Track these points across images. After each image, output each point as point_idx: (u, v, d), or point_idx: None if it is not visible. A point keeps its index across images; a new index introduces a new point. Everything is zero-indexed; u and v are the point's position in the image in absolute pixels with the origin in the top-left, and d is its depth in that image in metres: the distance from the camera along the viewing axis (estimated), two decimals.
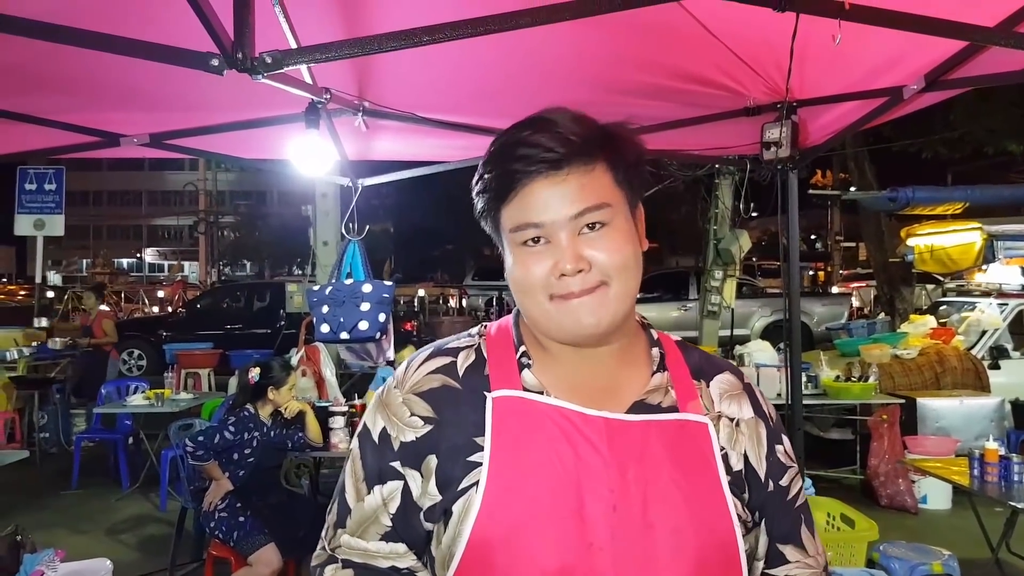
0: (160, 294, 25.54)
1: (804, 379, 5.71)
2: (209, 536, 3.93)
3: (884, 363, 6.54)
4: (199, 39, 1.59)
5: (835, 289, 21.61)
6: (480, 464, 0.90)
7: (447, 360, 0.98)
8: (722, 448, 0.96)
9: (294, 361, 5.61)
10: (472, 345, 1.00)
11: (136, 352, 12.99)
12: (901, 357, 6.71)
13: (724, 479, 0.94)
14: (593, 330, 0.91)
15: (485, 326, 1.05)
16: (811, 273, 29.99)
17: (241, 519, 3.79)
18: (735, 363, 4.19)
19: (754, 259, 22.75)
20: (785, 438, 1.04)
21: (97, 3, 1.82)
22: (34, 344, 8.68)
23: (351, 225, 3.42)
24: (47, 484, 6.43)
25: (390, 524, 0.95)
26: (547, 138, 0.90)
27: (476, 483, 0.89)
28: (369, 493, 0.96)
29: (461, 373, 0.96)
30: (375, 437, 0.97)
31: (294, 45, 1.89)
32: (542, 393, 0.94)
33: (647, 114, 3.17)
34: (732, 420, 0.99)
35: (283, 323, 11.45)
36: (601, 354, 0.96)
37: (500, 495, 0.88)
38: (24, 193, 9.52)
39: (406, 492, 0.94)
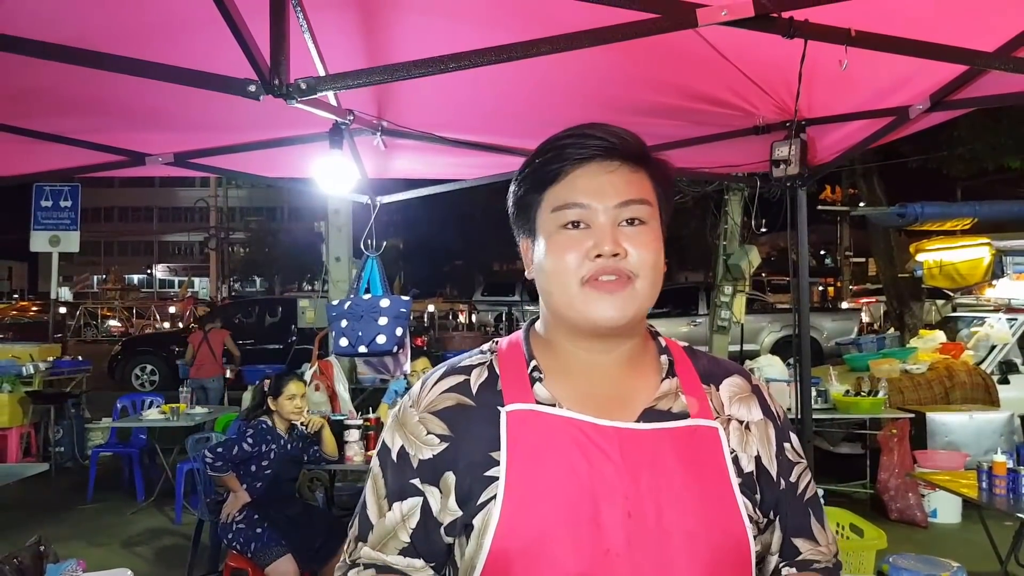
0: (171, 310, 25.73)
1: (814, 393, 5.74)
2: (226, 547, 3.98)
3: (894, 378, 6.56)
4: (233, 65, 1.67)
5: (845, 304, 21.58)
6: (497, 479, 0.93)
7: (460, 379, 1.02)
8: (732, 451, 0.99)
9: (307, 376, 5.68)
10: (484, 362, 1.04)
11: (149, 367, 13.09)
12: (911, 372, 6.73)
13: (735, 482, 0.97)
14: (615, 323, 0.96)
15: (496, 342, 1.09)
16: (821, 289, 29.93)
17: (259, 530, 3.84)
18: None
19: (763, 275, 22.75)
20: (792, 435, 1.08)
21: (135, 31, 1.91)
22: (49, 359, 8.77)
23: (369, 241, 3.50)
24: (63, 498, 6.49)
25: (408, 540, 0.99)
26: (602, 132, 0.99)
27: (494, 497, 0.92)
28: (390, 510, 1.00)
29: (474, 391, 1.00)
30: (394, 455, 1.01)
31: (322, 71, 1.97)
32: (555, 406, 0.97)
33: (660, 132, 3.24)
34: (742, 423, 1.03)
35: (295, 338, 11.52)
36: (611, 361, 1.01)
37: (518, 507, 0.91)
38: (40, 210, 9.64)
39: (425, 508, 0.98)
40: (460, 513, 0.95)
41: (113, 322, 25.17)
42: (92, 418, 7.91)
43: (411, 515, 0.99)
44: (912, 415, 5.96)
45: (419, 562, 0.99)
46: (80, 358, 9.39)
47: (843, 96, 2.88)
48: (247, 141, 3.21)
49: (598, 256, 0.95)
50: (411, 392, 1.06)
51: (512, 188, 1.05)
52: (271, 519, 3.90)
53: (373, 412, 4.96)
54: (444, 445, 0.97)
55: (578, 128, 1.00)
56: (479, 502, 0.93)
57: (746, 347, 11.74)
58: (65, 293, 31.51)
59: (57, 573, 3.24)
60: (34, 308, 24.02)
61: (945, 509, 5.61)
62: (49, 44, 1.66)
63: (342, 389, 5.85)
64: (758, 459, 1.02)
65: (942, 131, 10.70)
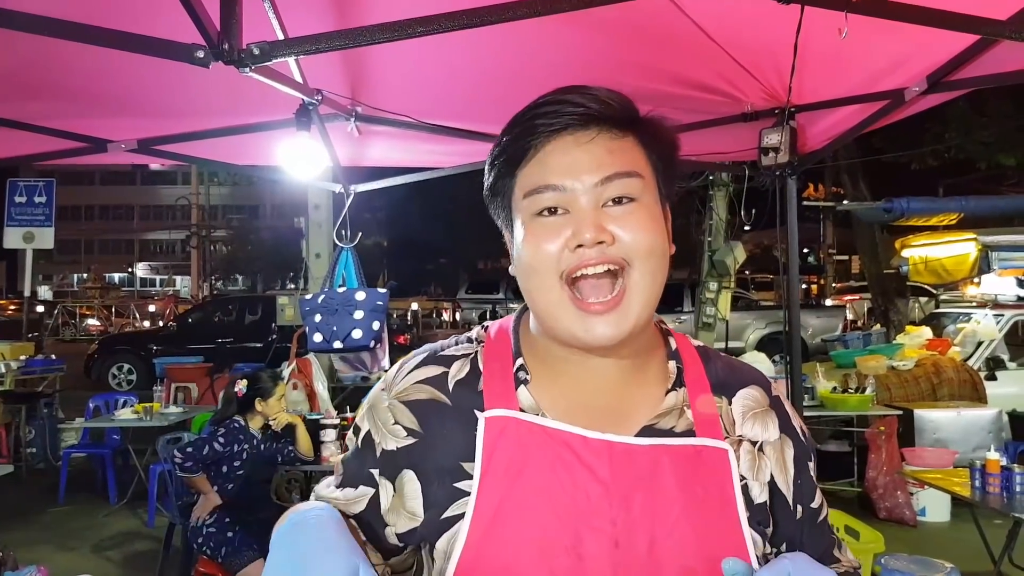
0: (151, 308, 25.40)
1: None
2: (197, 552, 3.84)
3: (880, 375, 6.52)
4: (184, 32, 1.53)
5: (829, 302, 21.65)
6: (468, 493, 0.81)
7: (439, 371, 0.89)
8: (743, 478, 0.85)
9: (286, 374, 5.54)
10: (468, 354, 0.90)
11: (126, 367, 12.87)
12: (897, 368, 6.69)
13: (743, 515, 0.82)
14: (607, 343, 0.81)
15: (486, 327, 0.95)
16: (804, 286, 30.06)
17: (230, 534, 3.71)
18: None
19: (747, 272, 22.82)
20: (814, 453, 0.94)
21: None
22: (22, 358, 8.56)
23: (344, 232, 3.36)
24: (34, 500, 6.33)
25: (353, 518, 0.90)
26: (577, 96, 0.82)
27: (462, 515, 0.81)
28: (340, 489, 0.92)
29: (451, 387, 0.87)
30: (359, 441, 0.91)
31: (281, 38, 1.84)
32: (539, 414, 0.84)
33: None
34: (755, 444, 0.88)
35: (275, 336, 11.36)
36: (609, 367, 0.85)
37: (488, 531, 0.79)
38: (13, 206, 9.42)
39: (373, 502, 0.88)
40: (422, 520, 0.83)
41: (92, 321, 24.82)
42: (66, 418, 7.74)
43: (357, 503, 0.89)
44: (900, 412, 5.92)
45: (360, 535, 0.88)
46: (54, 357, 9.18)
47: (834, 80, 2.78)
48: (215, 127, 3.07)
49: (580, 246, 0.79)
50: (386, 375, 0.94)
51: (485, 172, 0.89)
52: (243, 522, 3.77)
53: (352, 411, 4.82)
54: (411, 440, 0.86)
55: (551, 94, 0.83)
56: (444, 516, 0.82)
57: (731, 344, 11.73)
58: (44, 292, 31.11)
59: None
60: (11, 307, 23.61)
61: (934, 508, 5.56)
62: None
63: (321, 387, 5.72)
64: (772, 485, 0.88)
65: (928, 128, 10.72)
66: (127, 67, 2.47)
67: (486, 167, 0.88)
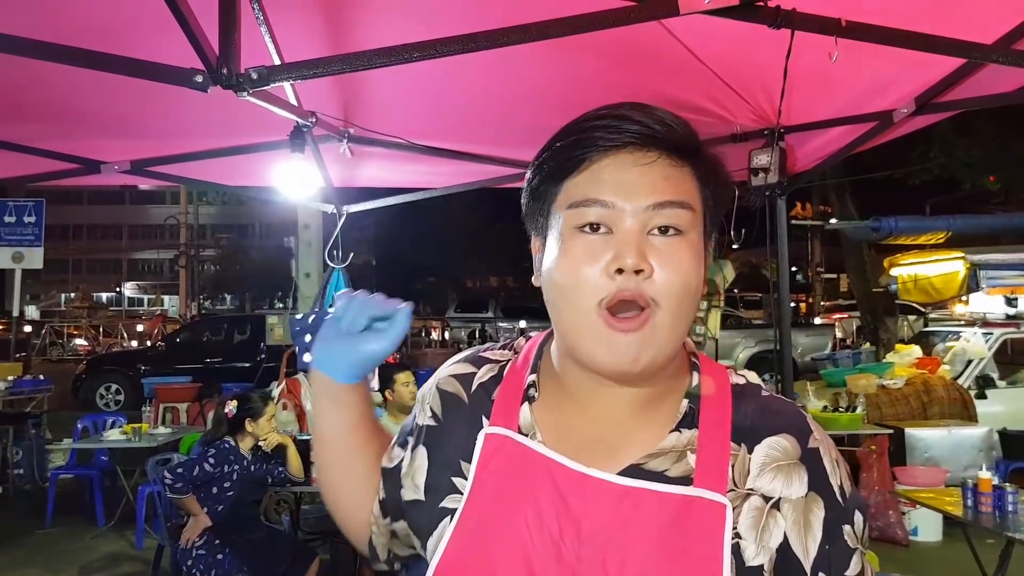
0: (139, 328, 25.22)
1: None
2: (186, 574, 3.80)
3: (871, 393, 6.53)
4: (183, 57, 1.55)
5: (818, 320, 21.75)
6: (460, 493, 0.84)
7: (470, 369, 0.93)
8: (736, 536, 0.77)
9: (275, 394, 5.51)
10: (500, 362, 0.92)
11: (114, 386, 12.76)
12: (888, 387, 6.71)
13: (727, 574, 0.75)
14: (628, 367, 0.78)
15: (529, 337, 0.95)
16: (793, 305, 30.19)
17: (219, 556, 3.67)
18: None
19: (736, 291, 22.92)
20: (858, 515, 0.81)
21: (82, 22, 1.79)
22: (10, 378, 8.48)
23: (335, 252, 3.37)
24: (20, 522, 6.22)
25: (382, 475, 0.97)
26: (639, 114, 0.78)
27: (452, 513, 0.83)
28: (394, 445, 0.98)
29: (473, 388, 0.91)
30: (417, 403, 0.98)
31: (278, 63, 1.86)
32: (533, 436, 0.83)
33: None
34: (768, 500, 0.78)
35: (263, 356, 11.30)
36: (620, 397, 0.82)
37: (467, 541, 0.80)
38: (2, 225, 9.37)
39: (399, 465, 0.94)
40: (423, 500, 0.88)
41: (80, 340, 24.62)
42: (53, 439, 7.66)
43: (392, 460, 0.96)
44: (891, 431, 5.92)
45: (381, 493, 0.96)
46: (41, 377, 9.09)
47: (823, 102, 2.83)
48: (208, 148, 3.07)
49: (618, 271, 0.75)
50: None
51: (527, 175, 0.85)
52: (233, 544, 3.74)
53: None
54: (432, 423, 0.92)
55: (613, 107, 0.79)
56: (440, 505, 0.85)
57: (721, 363, 11.69)
58: (32, 311, 30.86)
59: None
60: None
61: (926, 527, 5.54)
62: None
63: (311, 407, 5.68)
64: (784, 547, 0.77)
65: (914, 147, 10.84)
66: (121, 89, 2.48)
67: (529, 170, 0.85)
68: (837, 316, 21.48)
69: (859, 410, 6.04)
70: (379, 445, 1.00)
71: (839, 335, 17.89)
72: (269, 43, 1.80)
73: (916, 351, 7.75)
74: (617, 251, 0.76)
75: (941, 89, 2.34)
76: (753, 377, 0.88)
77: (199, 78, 1.49)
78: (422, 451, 0.91)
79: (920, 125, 2.77)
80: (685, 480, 0.78)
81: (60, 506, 6.24)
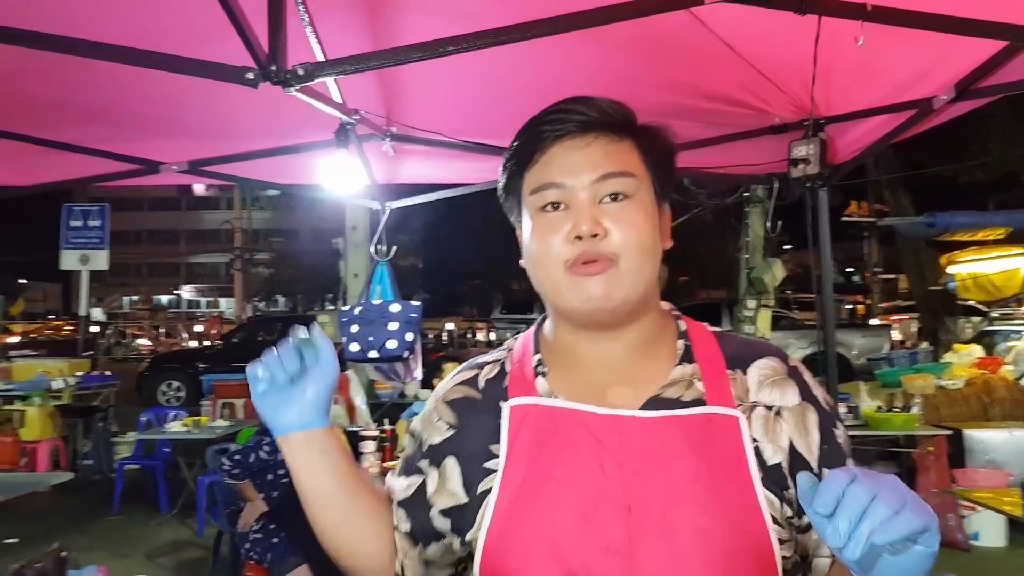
0: (197, 328, 26.09)
1: (844, 410, 5.58)
2: (244, 558, 3.96)
3: (928, 394, 6.35)
4: (236, 56, 1.66)
5: (874, 321, 21.19)
6: (495, 471, 0.93)
7: (472, 373, 1.04)
8: (755, 441, 0.89)
9: None
10: (498, 359, 1.04)
11: (175, 383, 13.24)
12: (946, 387, 6.52)
13: (756, 475, 0.87)
14: (602, 304, 0.90)
15: (517, 337, 1.07)
16: (849, 306, 29.46)
17: (274, 540, 3.82)
18: None
19: (789, 291, 22.47)
20: (842, 425, 0.96)
21: (143, 26, 1.92)
22: (78, 374, 8.90)
23: (380, 247, 3.49)
24: (90, 509, 6.56)
25: (400, 507, 1.03)
26: (580, 106, 0.94)
27: (490, 489, 0.92)
28: (397, 477, 1.06)
29: (482, 384, 1.01)
30: (412, 441, 1.06)
31: (323, 60, 1.97)
32: (555, 398, 0.94)
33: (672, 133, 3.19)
34: (771, 408, 0.92)
35: None
36: (617, 348, 0.95)
37: (512, 502, 0.89)
38: (70, 229, 9.80)
39: (420, 488, 1.01)
40: (465, 500, 0.95)
41: (142, 340, 25.60)
42: (119, 432, 8.01)
43: (407, 489, 1.02)
44: (948, 431, 5.73)
45: (406, 524, 1.01)
46: (108, 373, 9.51)
47: (862, 91, 2.81)
48: (259, 148, 3.22)
49: (578, 238, 0.90)
50: (437, 387, 1.10)
51: (499, 174, 1.02)
52: (287, 530, 3.88)
53: (390, 424, 4.93)
54: (451, 432, 0.99)
55: (558, 104, 0.96)
56: (478, 491, 0.94)
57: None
58: (98, 313, 32.08)
59: None
60: (67, 328, 24.46)
61: (988, 531, 5.31)
62: (42, 34, 1.66)
63: (359, 401, 5.84)
64: (792, 449, 0.90)
65: (973, 141, 10.53)
66: (177, 91, 2.62)
67: (500, 169, 1.01)
68: (895, 317, 20.91)
69: (914, 411, 5.90)
70: (369, 487, 1.04)
71: (897, 337, 17.42)
72: (314, 42, 1.91)
73: (976, 351, 7.55)
74: (574, 222, 0.91)
75: (982, 74, 2.31)
76: (716, 328, 1.03)
77: (250, 75, 1.60)
78: (450, 461, 0.98)
79: (961, 112, 2.72)
80: (698, 402, 0.91)
81: (126, 494, 6.55)
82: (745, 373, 0.94)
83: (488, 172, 3.61)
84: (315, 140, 3.08)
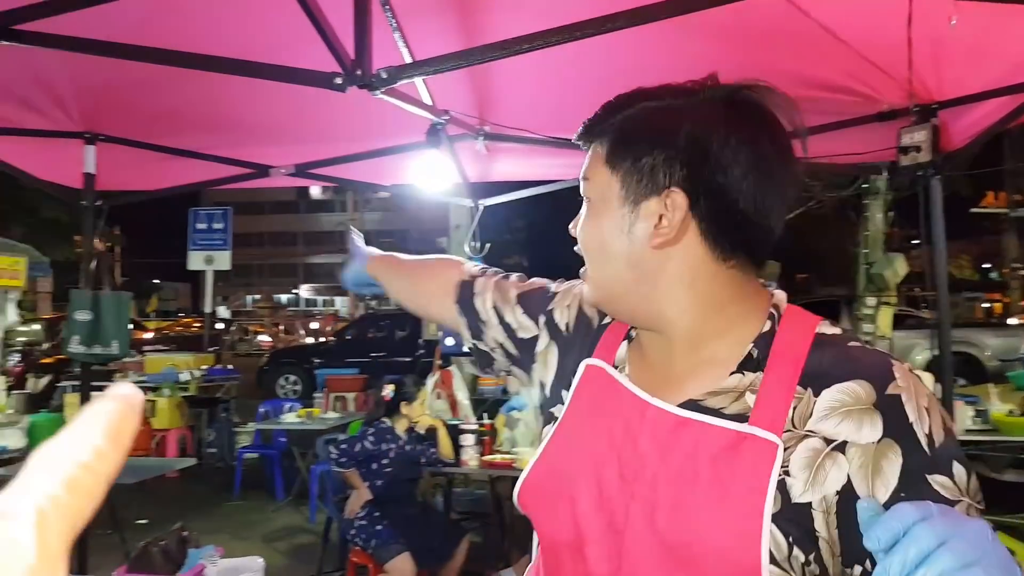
0: (314, 326, 27.35)
1: (971, 413, 5.24)
2: (350, 543, 4.15)
3: None
4: (325, 63, 1.76)
5: (1013, 320, 19.63)
6: (556, 420, 0.97)
7: None
8: (785, 472, 0.78)
9: (430, 384, 5.85)
10: None
11: (292, 377, 13.93)
12: None
13: (769, 509, 0.76)
14: (594, 304, 0.98)
15: None
16: (986, 304, 27.46)
17: (378, 527, 3.98)
18: None
19: (918, 289, 21.18)
20: (958, 467, 0.75)
21: (232, 35, 2.06)
22: (204, 368, 9.52)
23: (474, 244, 3.57)
24: (213, 494, 7.01)
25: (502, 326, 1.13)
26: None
27: (553, 422, 0.97)
28: (520, 305, 1.12)
29: (604, 320, 1.02)
30: (554, 290, 1.13)
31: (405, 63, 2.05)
32: (621, 370, 0.95)
33: None
34: (830, 442, 0.78)
35: (422, 351, 11.89)
36: (660, 340, 0.91)
37: (555, 451, 0.94)
38: (196, 232, 10.49)
39: (534, 339, 1.08)
40: (548, 393, 1.03)
41: (263, 337, 27.09)
42: (240, 422, 8.52)
43: (522, 330, 1.10)
44: None
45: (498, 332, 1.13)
46: (230, 367, 10.13)
47: (976, 73, 2.64)
48: (357, 151, 3.38)
49: None
50: None
51: None
52: (391, 517, 4.04)
53: (490, 420, 5.02)
54: (564, 332, 1.05)
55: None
56: (550, 409, 1.00)
57: (818, 317, 10.85)
58: (223, 311, 34.21)
59: (198, 557, 3.51)
60: (195, 325, 26.21)
61: None
62: (153, 48, 1.81)
63: (462, 396, 5.97)
64: (847, 492, 0.76)
65: None
66: (282, 99, 2.79)
67: None
68: None
69: None
70: (417, 270, 1.33)
71: None
72: (402, 46, 1.99)
73: None
74: None
75: None
76: (852, 334, 0.88)
77: (338, 80, 1.69)
78: (554, 350, 1.05)
79: None
80: (740, 418, 0.82)
81: (246, 481, 6.95)
82: (817, 395, 0.80)
83: (578, 168, 3.63)
84: (409, 141, 3.20)
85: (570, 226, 0.97)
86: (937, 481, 0.74)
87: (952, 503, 0.73)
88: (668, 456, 0.83)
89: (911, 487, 0.74)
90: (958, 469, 0.75)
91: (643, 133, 0.87)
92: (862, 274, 9.44)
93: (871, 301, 9.47)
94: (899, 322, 10.13)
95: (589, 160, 0.92)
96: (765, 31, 2.51)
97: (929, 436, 0.76)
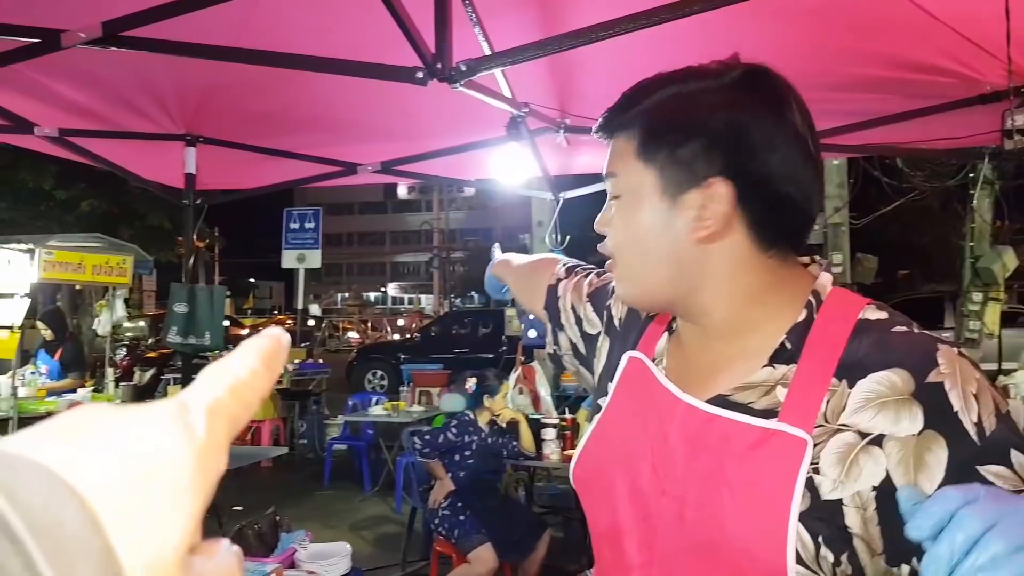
0: (400, 323, 28.03)
1: None
2: (434, 533, 4.24)
3: None
4: (409, 59, 1.81)
5: None
6: (607, 396, 0.98)
7: None
8: (814, 469, 0.74)
9: (512, 379, 5.91)
10: None
11: (379, 372, 14.32)
12: None
13: (796, 507, 0.72)
14: (625, 299, 0.95)
15: None
16: None
17: (461, 518, 4.05)
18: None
19: None
20: (1016, 454, 0.69)
21: (320, 36, 2.14)
22: (296, 362, 9.89)
23: (554, 236, 3.59)
24: (303, 484, 7.27)
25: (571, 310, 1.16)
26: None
27: (598, 413, 0.97)
28: (590, 300, 1.13)
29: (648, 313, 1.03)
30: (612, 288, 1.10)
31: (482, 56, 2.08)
32: (660, 363, 0.93)
33: (861, 108, 2.99)
34: (865, 436, 0.73)
35: (504, 348, 11.99)
36: (696, 330, 0.88)
37: (597, 439, 0.95)
38: (289, 232, 10.90)
39: (598, 335, 1.09)
40: (597, 383, 1.04)
41: (352, 334, 27.95)
42: (330, 414, 8.81)
43: (588, 323, 1.11)
44: None
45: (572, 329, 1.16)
46: (321, 362, 10.48)
47: None
48: (440, 147, 3.44)
49: None
50: None
51: None
52: (473, 508, 4.10)
53: (571, 414, 5.03)
54: (616, 325, 1.05)
55: None
56: (598, 402, 1.00)
57: (1005, 364, 10.26)
58: (315, 309, 35.46)
59: (289, 541, 3.67)
60: (288, 321, 27.31)
61: None
62: (247, 50, 1.91)
63: (544, 392, 5.99)
64: (886, 487, 0.71)
65: None
66: (370, 98, 2.88)
67: None
68: None
69: None
70: (523, 273, 1.34)
71: None
72: (482, 40, 2.02)
73: None
74: None
75: None
76: (902, 319, 0.79)
77: (420, 74, 1.74)
78: (607, 344, 1.06)
79: None
80: (770, 413, 0.77)
81: (335, 471, 7.16)
82: (852, 386, 0.75)
83: None
84: (491, 136, 3.24)
85: (595, 223, 0.90)
86: (991, 471, 0.67)
87: (1017, 493, 0.66)
88: (696, 453, 0.81)
89: (955, 476, 0.68)
90: (1017, 456, 0.68)
91: (676, 121, 0.80)
92: (968, 268, 8.94)
93: (977, 297, 8.95)
94: (1008, 319, 9.53)
95: (614, 154, 0.86)
96: (853, 10, 2.43)
97: (978, 424, 0.70)
